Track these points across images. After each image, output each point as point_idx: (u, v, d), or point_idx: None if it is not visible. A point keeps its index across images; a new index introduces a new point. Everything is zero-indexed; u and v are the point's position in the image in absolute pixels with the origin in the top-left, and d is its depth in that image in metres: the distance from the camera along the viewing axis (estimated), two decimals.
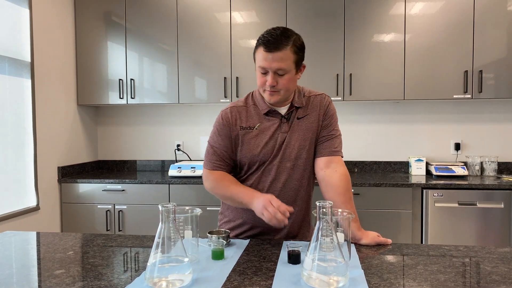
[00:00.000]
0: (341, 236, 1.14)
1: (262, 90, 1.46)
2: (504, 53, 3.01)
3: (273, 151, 1.49)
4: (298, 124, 1.50)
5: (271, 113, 1.51)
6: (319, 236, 1.00)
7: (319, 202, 1.00)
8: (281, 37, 1.36)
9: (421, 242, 2.92)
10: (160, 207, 1.04)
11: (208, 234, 1.37)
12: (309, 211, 1.59)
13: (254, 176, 1.51)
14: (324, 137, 1.52)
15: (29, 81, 2.94)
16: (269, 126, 1.50)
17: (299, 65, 1.43)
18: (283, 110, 1.51)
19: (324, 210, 1.00)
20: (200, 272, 1.13)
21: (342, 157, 1.53)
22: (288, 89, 1.43)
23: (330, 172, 1.48)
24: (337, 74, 3.19)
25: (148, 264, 1.04)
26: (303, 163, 1.51)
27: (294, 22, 3.20)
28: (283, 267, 1.16)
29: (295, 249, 1.20)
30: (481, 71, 3.04)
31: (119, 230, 3.18)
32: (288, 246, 1.22)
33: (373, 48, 3.16)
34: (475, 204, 2.83)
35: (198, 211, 1.24)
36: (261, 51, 1.39)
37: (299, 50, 1.41)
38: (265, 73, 1.41)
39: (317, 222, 1.01)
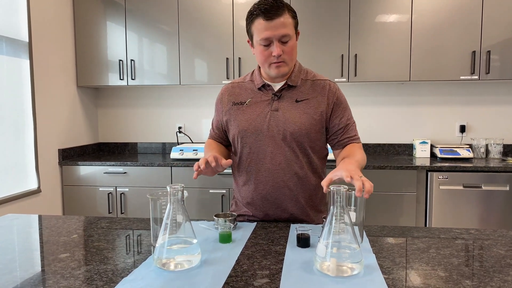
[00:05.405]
0: (353, 215, 1.11)
1: (267, 66, 1.40)
2: None
3: (262, 128, 1.44)
4: (297, 107, 1.44)
5: (265, 88, 1.47)
6: (333, 222, 0.97)
7: (333, 186, 0.97)
8: (276, 3, 1.33)
9: (425, 225, 2.91)
10: (168, 188, 1.01)
11: (214, 217, 1.34)
12: (317, 199, 1.54)
13: (250, 154, 1.47)
14: (340, 129, 1.47)
15: (27, 62, 2.88)
16: (260, 102, 1.47)
17: (296, 30, 1.41)
18: (277, 86, 1.47)
19: (338, 195, 0.96)
20: (209, 255, 1.11)
21: (360, 142, 1.50)
22: (292, 57, 1.40)
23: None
24: (342, 55, 3.12)
25: (156, 245, 1.02)
26: (305, 147, 1.45)
27: (299, 2, 3.12)
28: (292, 251, 1.14)
29: (305, 232, 1.18)
30: (489, 52, 2.97)
31: (121, 213, 3.17)
32: (297, 229, 1.20)
33: (378, 28, 3.08)
34: (480, 187, 2.81)
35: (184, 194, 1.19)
36: (260, 22, 1.34)
37: (295, 14, 1.40)
38: (268, 45, 1.36)
39: (331, 207, 0.97)
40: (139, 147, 3.79)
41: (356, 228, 1.13)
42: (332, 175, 1.14)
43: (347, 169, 1.13)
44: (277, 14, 1.32)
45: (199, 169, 1.28)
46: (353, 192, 1.09)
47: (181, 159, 3.18)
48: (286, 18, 1.34)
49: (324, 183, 1.09)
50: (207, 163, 1.29)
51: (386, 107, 3.49)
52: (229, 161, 1.33)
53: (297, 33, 1.42)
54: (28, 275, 1.00)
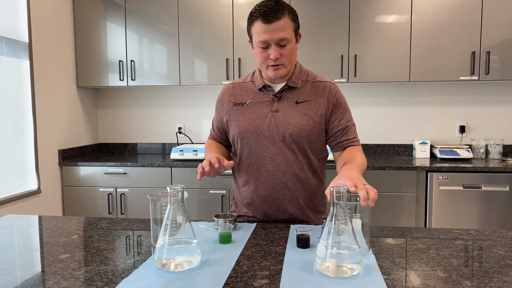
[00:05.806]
0: (358, 222, 1.11)
1: (265, 67, 1.40)
2: None
3: (262, 129, 1.44)
4: (297, 108, 1.44)
5: (265, 89, 1.47)
6: (333, 222, 0.97)
7: (333, 187, 0.97)
8: (277, 6, 1.32)
9: (425, 226, 2.91)
10: (168, 189, 1.01)
11: (214, 218, 1.34)
12: (317, 200, 1.54)
13: (249, 155, 1.47)
14: (339, 131, 1.46)
15: (27, 62, 2.88)
16: (260, 103, 1.47)
17: (297, 33, 1.40)
18: (277, 87, 1.47)
19: (338, 195, 0.96)
20: (209, 255, 1.11)
21: (360, 144, 1.49)
22: (291, 60, 1.40)
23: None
24: (342, 55, 3.13)
25: (156, 246, 1.02)
26: (305, 149, 1.45)
27: (299, 2, 3.12)
28: (292, 252, 1.14)
29: (304, 233, 1.18)
30: (488, 52, 2.98)
31: (121, 214, 3.17)
32: (297, 230, 1.20)
33: (378, 28, 3.09)
34: (480, 187, 2.81)
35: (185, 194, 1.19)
36: (259, 25, 1.34)
37: (296, 18, 1.38)
38: (266, 47, 1.36)
39: (331, 208, 0.98)
40: (139, 147, 3.79)
41: (360, 233, 1.12)
42: (335, 183, 1.14)
43: (350, 178, 1.13)
44: (276, 18, 1.31)
45: (203, 170, 1.28)
46: (358, 203, 1.09)
47: (181, 160, 3.18)
48: (285, 22, 1.33)
49: (327, 192, 1.08)
50: (210, 164, 1.29)
51: (386, 108, 3.49)
52: (232, 162, 1.34)
53: (298, 36, 1.41)
54: (28, 275, 1.00)
